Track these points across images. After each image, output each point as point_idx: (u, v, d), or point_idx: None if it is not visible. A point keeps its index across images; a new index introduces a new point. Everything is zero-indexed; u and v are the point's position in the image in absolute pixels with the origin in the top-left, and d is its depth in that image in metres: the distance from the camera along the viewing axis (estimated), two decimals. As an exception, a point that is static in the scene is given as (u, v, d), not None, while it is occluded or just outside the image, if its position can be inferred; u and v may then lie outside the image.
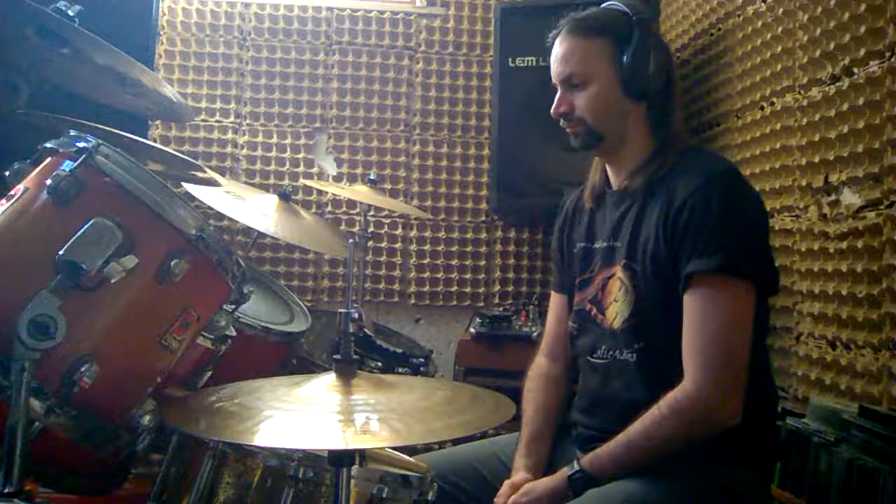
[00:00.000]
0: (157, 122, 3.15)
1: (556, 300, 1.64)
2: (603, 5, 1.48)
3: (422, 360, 2.42)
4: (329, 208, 3.30)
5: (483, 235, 3.34)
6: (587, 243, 1.52)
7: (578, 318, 1.51)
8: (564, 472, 1.33)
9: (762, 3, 2.24)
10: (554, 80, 1.48)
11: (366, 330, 2.36)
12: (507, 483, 1.40)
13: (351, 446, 0.95)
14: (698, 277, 1.29)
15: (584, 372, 1.49)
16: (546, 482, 1.35)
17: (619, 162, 1.48)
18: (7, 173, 1.28)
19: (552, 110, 1.47)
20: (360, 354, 2.13)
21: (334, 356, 1.06)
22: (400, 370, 2.29)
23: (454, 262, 3.31)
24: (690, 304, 1.31)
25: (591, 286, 1.48)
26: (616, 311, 1.41)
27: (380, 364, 2.25)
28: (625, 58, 1.40)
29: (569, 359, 1.57)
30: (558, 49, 1.46)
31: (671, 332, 1.33)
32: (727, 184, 1.35)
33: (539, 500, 1.32)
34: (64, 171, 1.17)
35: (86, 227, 1.10)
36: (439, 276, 3.31)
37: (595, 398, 1.45)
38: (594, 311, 1.46)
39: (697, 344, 1.29)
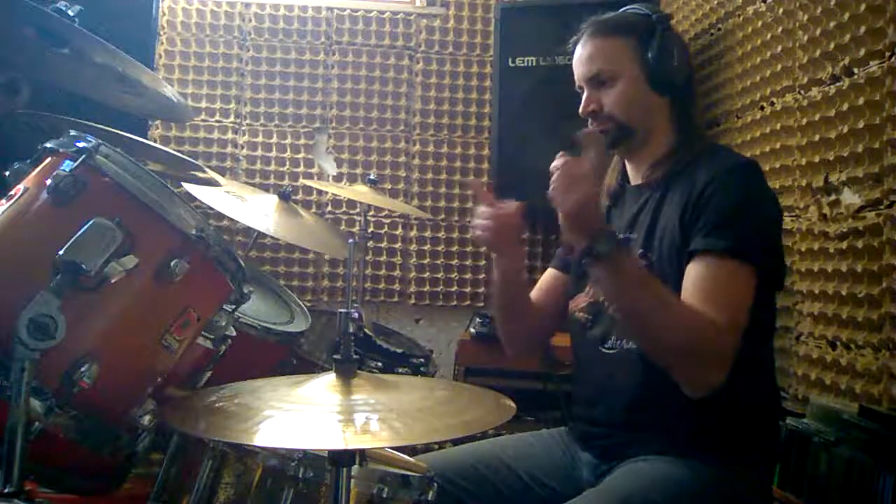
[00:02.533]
0: (157, 122, 3.15)
1: (548, 274, 1.68)
2: (622, 9, 1.51)
3: (422, 360, 2.42)
4: (329, 208, 3.30)
5: (483, 235, 3.33)
6: None
7: (593, 309, 1.51)
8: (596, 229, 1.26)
9: (762, 3, 2.24)
10: (579, 82, 1.51)
11: (366, 330, 2.36)
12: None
13: (351, 446, 0.95)
14: (704, 254, 1.30)
15: (591, 363, 1.49)
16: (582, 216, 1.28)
17: (641, 157, 1.51)
18: (7, 173, 1.28)
19: (581, 110, 1.50)
20: (360, 354, 2.13)
21: (334, 356, 1.06)
22: (400, 370, 2.29)
23: (454, 262, 3.31)
24: (692, 271, 1.30)
25: None
26: None
27: (380, 364, 2.25)
28: (649, 53, 1.43)
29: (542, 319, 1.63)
30: (582, 51, 1.49)
31: None
32: (748, 174, 1.38)
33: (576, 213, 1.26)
34: (64, 171, 1.17)
35: (86, 227, 1.10)
36: (439, 276, 3.31)
37: (600, 389, 1.46)
38: (606, 301, 1.47)
39: (712, 298, 1.26)
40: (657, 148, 1.48)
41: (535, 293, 1.68)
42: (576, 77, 1.51)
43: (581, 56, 1.50)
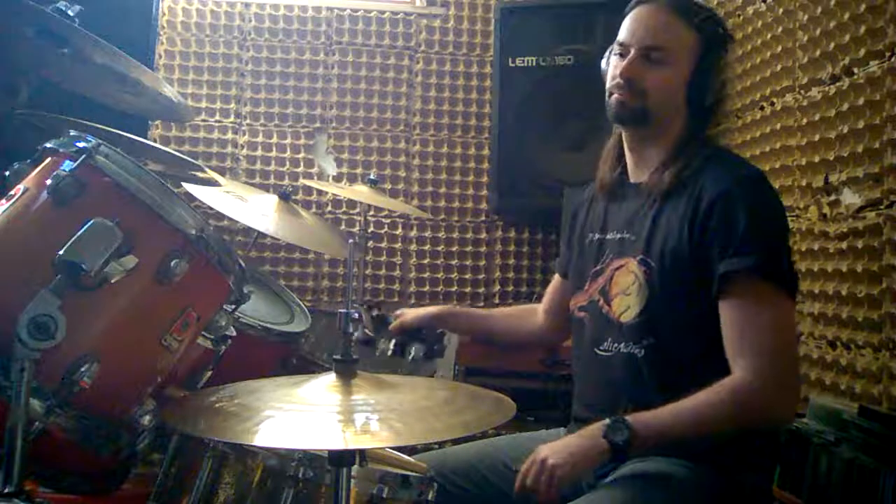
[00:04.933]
0: (157, 122, 3.14)
1: (555, 279, 1.74)
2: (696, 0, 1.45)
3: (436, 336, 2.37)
4: (329, 208, 3.29)
5: (483, 235, 3.34)
6: (601, 234, 1.53)
7: (589, 308, 1.51)
8: (599, 429, 1.25)
9: (762, 3, 2.24)
10: (628, 42, 1.41)
11: (383, 311, 2.32)
12: None
13: (351, 446, 0.95)
14: (734, 279, 1.29)
15: (588, 364, 1.49)
16: (575, 440, 1.29)
17: (643, 153, 1.48)
18: (7, 173, 1.28)
19: (621, 70, 1.40)
20: (371, 339, 2.10)
21: (334, 356, 1.06)
22: (415, 346, 2.21)
23: (454, 262, 3.31)
24: (732, 305, 1.30)
25: (602, 277, 1.49)
26: (626, 305, 1.41)
27: (393, 343, 2.19)
28: (702, 64, 1.39)
29: (553, 323, 1.73)
30: (650, 14, 1.41)
31: (682, 328, 1.33)
32: (758, 187, 1.36)
33: (573, 462, 1.25)
34: (64, 171, 1.17)
35: (86, 227, 1.10)
36: (439, 276, 3.31)
37: (598, 391, 1.46)
38: (601, 301, 1.47)
39: (749, 339, 1.27)
40: (661, 150, 1.45)
41: (545, 299, 1.75)
42: (628, 34, 1.41)
43: (646, 19, 1.40)
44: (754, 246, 1.28)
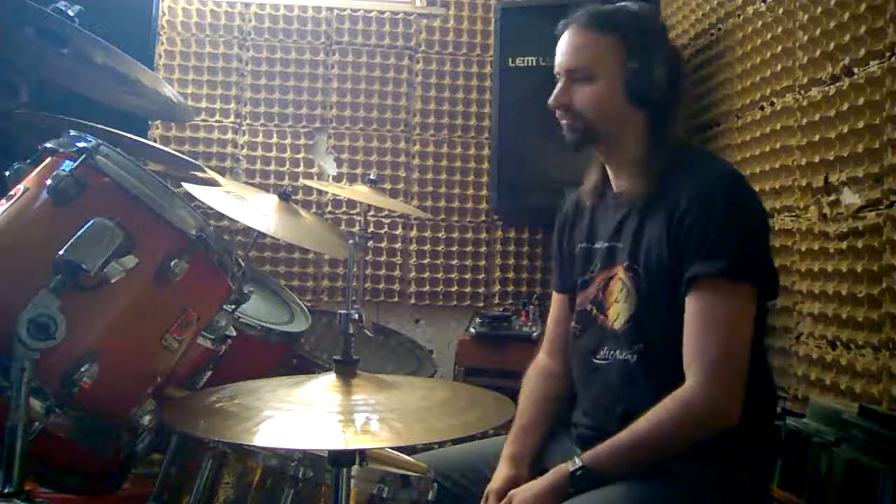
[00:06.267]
0: (157, 122, 3.14)
1: (555, 300, 1.64)
2: (618, 4, 1.45)
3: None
4: (329, 208, 3.29)
5: (483, 235, 3.34)
6: (588, 244, 1.52)
7: (581, 318, 1.51)
8: (564, 468, 1.31)
9: (762, 3, 2.24)
10: (557, 70, 1.45)
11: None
12: (490, 490, 1.38)
13: (351, 446, 0.95)
14: (700, 281, 1.30)
15: (585, 373, 1.49)
16: (542, 482, 1.32)
17: (617, 163, 1.48)
18: (7, 173, 1.28)
19: (551, 100, 1.44)
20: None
21: (334, 356, 1.06)
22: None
23: (454, 262, 3.31)
24: (692, 307, 1.31)
25: (593, 286, 1.48)
26: (617, 312, 1.41)
27: None
28: (633, 62, 1.38)
29: (567, 358, 1.56)
30: (568, 39, 1.43)
31: (673, 333, 1.33)
32: (730, 188, 1.36)
33: (538, 500, 1.30)
34: (64, 171, 1.17)
35: (86, 227, 1.10)
36: (439, 276, 3.31)
37: (596, 399, 1.45)
38: (595, 311, 1.47)
39: (700, 347, 1.29)
40: (631, 156, 1.44)
41: (552, 325, 1.64)
42: (556, 61, 1.45)
43: (565, 45, 1.43)
44: (723, 249, 1.29)
